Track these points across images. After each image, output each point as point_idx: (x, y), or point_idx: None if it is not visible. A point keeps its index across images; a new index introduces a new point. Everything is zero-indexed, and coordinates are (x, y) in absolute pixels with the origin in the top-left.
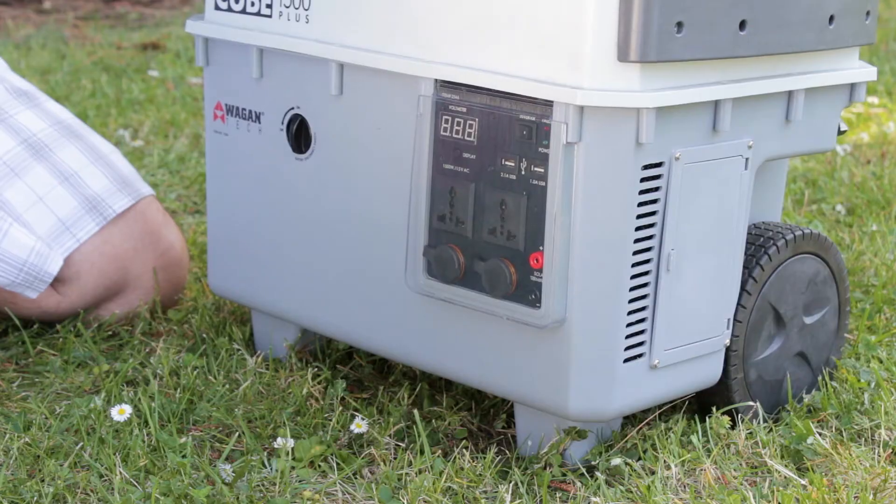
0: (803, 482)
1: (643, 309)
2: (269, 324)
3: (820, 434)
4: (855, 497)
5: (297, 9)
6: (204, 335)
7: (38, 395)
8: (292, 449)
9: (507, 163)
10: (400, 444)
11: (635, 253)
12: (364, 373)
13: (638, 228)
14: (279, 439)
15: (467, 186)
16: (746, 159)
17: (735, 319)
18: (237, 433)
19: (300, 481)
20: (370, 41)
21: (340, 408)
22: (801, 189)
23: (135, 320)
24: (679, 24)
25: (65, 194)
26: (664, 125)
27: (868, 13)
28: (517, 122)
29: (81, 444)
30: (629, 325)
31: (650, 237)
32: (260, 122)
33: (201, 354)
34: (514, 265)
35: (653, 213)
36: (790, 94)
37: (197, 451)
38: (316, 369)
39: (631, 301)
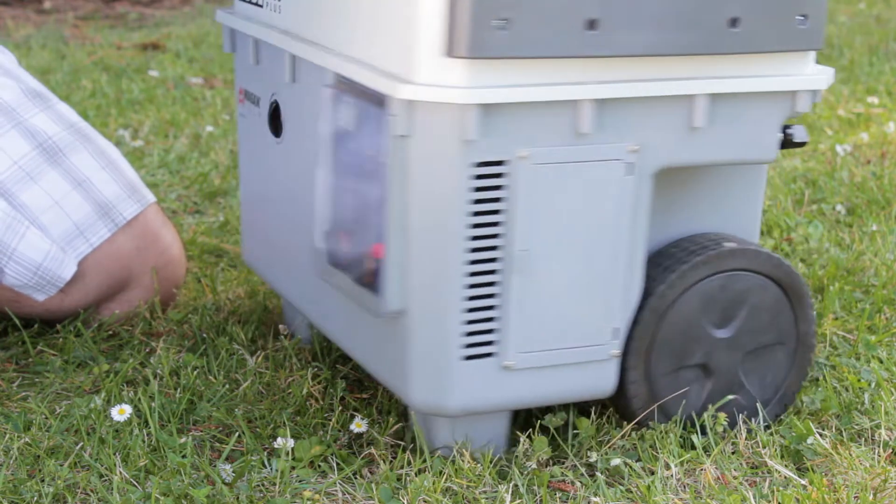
0: (803, 482)
1: (490, 308)
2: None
3: (820, 434)
4: (855, 497)
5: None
6: (204, 335)
7: (38, 395)
8: (292, 449)
9: (370, 154)
10: (400, 443)
11: (474, 250)
12: (364, 373)
13: (476, 226)
14: (279, 439)
15: (348, 176)
16: (629, 164)
17: (635, 333)
18: (237, 433)
19: (300, 481)
20: (314, 32)
21: (340, 408)
22: (801, 189)
23: (135, 320)
24: (506, 20)
25: (79, 199)
26: (504, 123)
27: (805, 16)
28: (375, 113)
29: (81, 444)
30: (472, 322)
31: (494, 235)
32: (259, 106)
33: (201, 354)
34: (372, 254)
35: (496, 212)
36: (692, 98)
37: (197, 451)
38: (316, 369)
39: (472, 298)
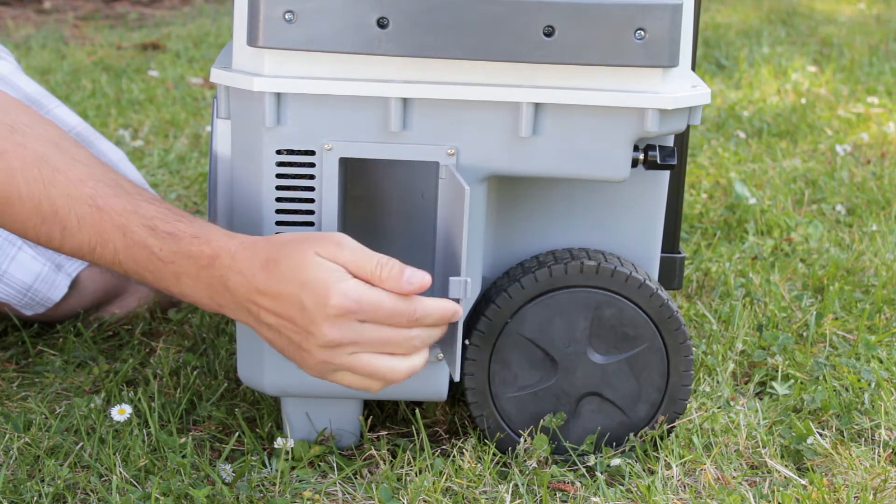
0: (803, 482)
1: None
2: None
3: (820, 434)
4: (855, 497)
5: None
6: (204, 335)
7: (38, 395)
8: (292, 449)
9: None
10: (401, 440)
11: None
12: None
13: (281, 212)
14: (279, 439)
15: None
16: (446, 167)
17: (473, 341)
18: (237, 433)
19: (300, 481)
20: None
21: None
22: (801, 189)
23: (135, 320)
24: (293, 13)
25: None
26: (305, 114)
27: (644, 31)
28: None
29: (81, 444)
30: None
31: (305, 223)
32: None
33: (201, 354)
34: None
35: (306, 200)
36: (516, 106)
37: (197, 451)
38: None
39: None
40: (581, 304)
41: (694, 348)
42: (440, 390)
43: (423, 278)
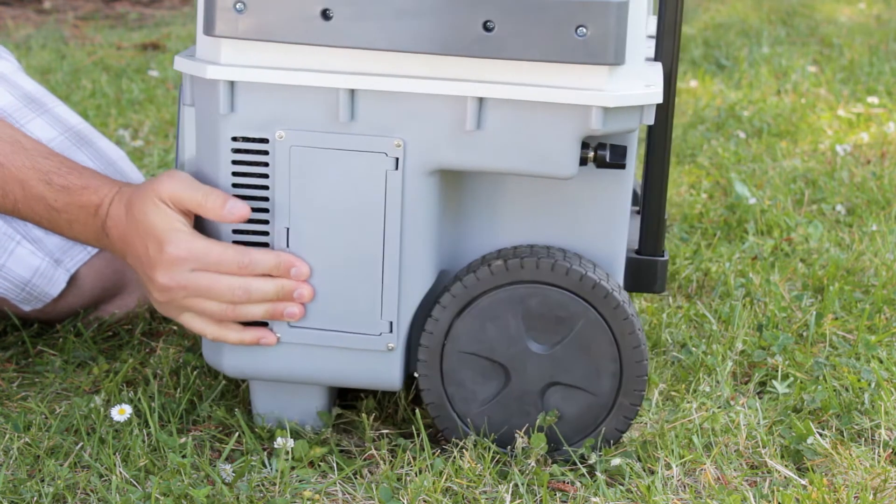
0: (803, 482)
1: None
2: None
3: (820, 434)
4: (855, 497)
5: None
6: None
7: (38, 395)
8: (292, 449)
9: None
10: (402, 440)
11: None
12: None
13: (237, 197)
14: (279, 439)
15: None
16: (396, 159)
17: (428, 328)
18: (237, 433)
19: (300, 481)
20: None
21: (339, 411)
22: (801, 189)
23: (135, 320)
24: (241, 3)
25: None
26: (257, 102)
27: (585, 27)
28: None
29: (81, 444)
30: None
31: (259, 209)
32: None
33: (201, 354)
34: None
35: (259, 187)
36: (460, 100)
37: (197, 451)
38: None
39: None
40: (505, 304)
41: (693, 348)
42: (392, 380)
43: (242, 208)
